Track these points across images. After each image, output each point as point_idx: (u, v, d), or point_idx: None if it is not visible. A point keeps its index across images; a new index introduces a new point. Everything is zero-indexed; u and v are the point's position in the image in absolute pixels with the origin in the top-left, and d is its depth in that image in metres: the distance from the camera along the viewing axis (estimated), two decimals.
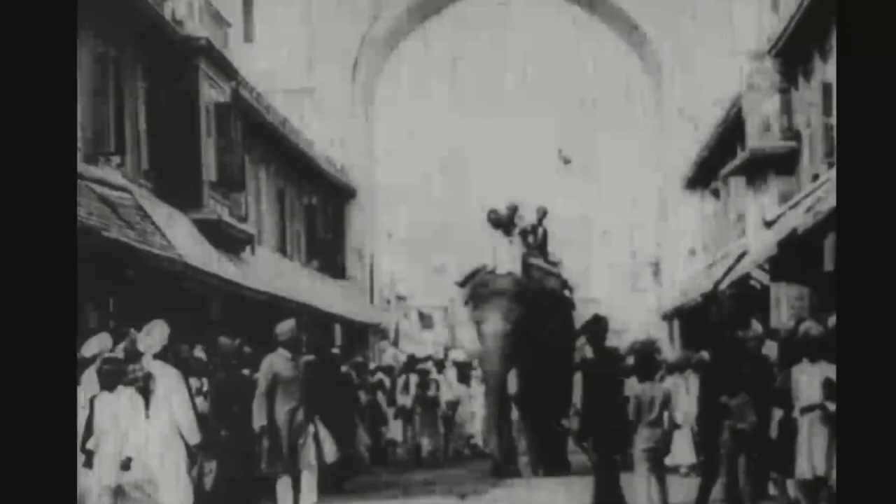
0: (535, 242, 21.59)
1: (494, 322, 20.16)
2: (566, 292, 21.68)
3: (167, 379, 11.76)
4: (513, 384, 19.85)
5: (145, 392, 11.55)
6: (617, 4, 37.56)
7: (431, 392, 23.51)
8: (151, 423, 11.52)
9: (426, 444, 23.11)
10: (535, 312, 20.24)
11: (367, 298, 39.12)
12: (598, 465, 14.39)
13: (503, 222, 20.89)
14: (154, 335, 11.93)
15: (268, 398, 13.85)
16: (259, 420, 13.78)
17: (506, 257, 20.72)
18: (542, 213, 21.85)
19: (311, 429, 13.95)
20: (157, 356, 11.82)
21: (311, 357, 18.56)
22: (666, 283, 39.24)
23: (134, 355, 12.06)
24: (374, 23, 37.64)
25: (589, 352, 15.77)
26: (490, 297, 20.35)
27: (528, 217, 21.49)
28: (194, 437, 11.77)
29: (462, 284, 21.21)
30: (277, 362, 14.01)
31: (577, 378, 17.66)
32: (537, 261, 21.24)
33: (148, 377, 11.64)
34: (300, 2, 37.06)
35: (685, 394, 18.46)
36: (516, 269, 20.63)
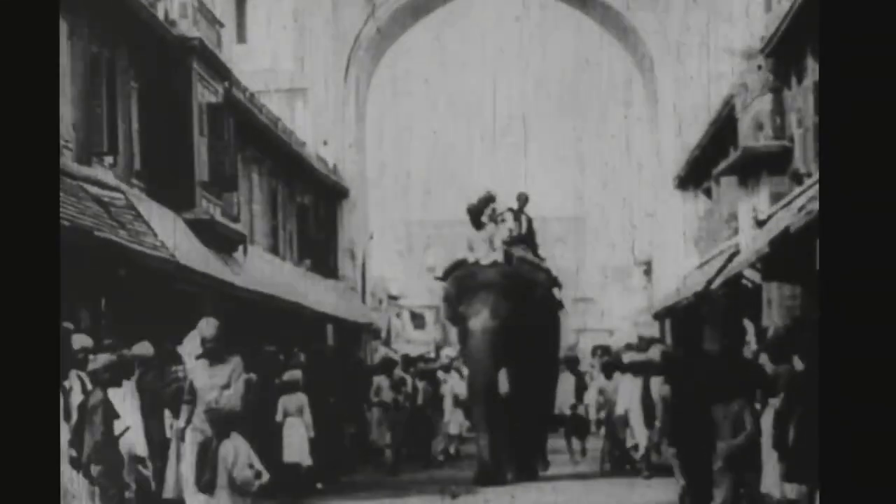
0: (519, 233, 20.19)
1: (482, 318, 18.79)
2: (555, 290, 20.37)
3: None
4: (504, 384, 18.49)
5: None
6: (609, 3, 37.58)
7: (442, 391, 23.38)
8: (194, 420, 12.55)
9: (435, 444, 22.91)
10: (524, 307, 18.95)
11: (359, 298, 39.11)
12: (690, 476, 14.11)
13: (474, 214, 19.55)
14: (196, 340, 12.97)
15: (189, 413, 12.46)
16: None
17: (484, 249, 19.32)
18: (523, 200, 20.36)
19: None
20: (197, 358, 12.80)
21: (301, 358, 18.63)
22: (658, 283, 39.25)
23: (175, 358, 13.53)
24: (367, 23, 37.64)
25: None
26: (476, 290, 18.98)
27: (508, 205, 20.11)
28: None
29: (444, 278, 19.79)
30: (197, 371, 12.59)
31: (660, 384, 17.22)
32: (522, 252, 19.92)
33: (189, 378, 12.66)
34: (293, 2, 37.06)
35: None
36: (500, 259, 19.28)
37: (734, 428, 12.16)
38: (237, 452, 9.71)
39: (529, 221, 20.39)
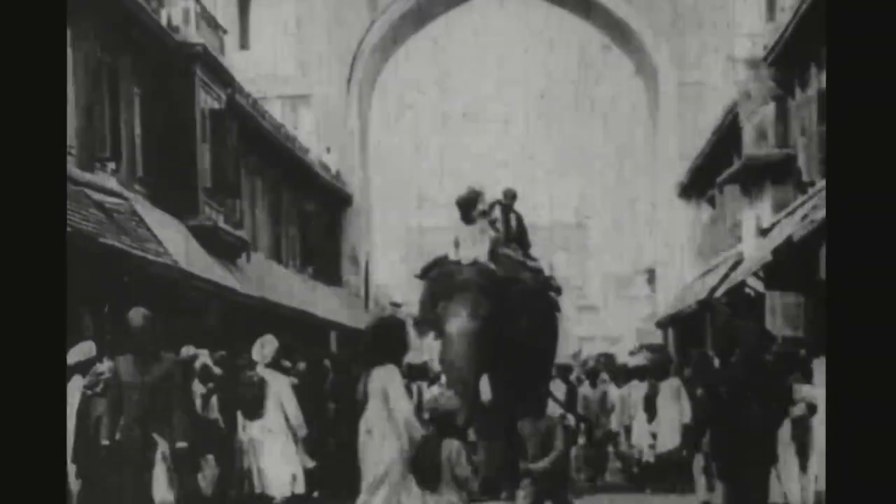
0: (511, 232, 18.70)
1: (460, 320, 16.92)
2: (551, 293, 18.85)
3: (278, 384, 14.11)
4: (486, 392, 16.69)
5: (260, 395, 13.81)
6: (612, 10, 37.62)
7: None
8: (265, 419, 13.95)
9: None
10: (508, 309, 17.19)
11: (362, 305, 39.12)
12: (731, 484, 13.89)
13: (465, 207, 17.67)
14: (267, 347, 14.22)
15: (114, 414, 11.03)
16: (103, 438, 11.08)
17: (469, 246, 17.61)
18: (511, 197, 18.87)
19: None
20: (268, 365, 14.14)
21: (301, 366, 18.51)
22: (661, 291, 39.26)
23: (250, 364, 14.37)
24: (370, 30, 37.68)
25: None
26: (454, 291, 17.12)
27: (494, 201, 18.50)
28: (303, 431, 14.20)
29: (421, 276, 18.06)
30: (123, 366, 11.12)
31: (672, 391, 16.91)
32: (508, 251, 18.19)
33: (262, 382, 13.83)
34: (296, 8, 37.10)
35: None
36: (483, 258, 17.44)
37: (543, 447, 11.62)
38: (459, 450, 9.81)
39: (519, 219, 18.97)
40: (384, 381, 9.62)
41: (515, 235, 18.82)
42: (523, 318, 17.53)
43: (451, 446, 9.66)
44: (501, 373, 16.91)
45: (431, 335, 17.83)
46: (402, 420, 9.64)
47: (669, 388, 18.16)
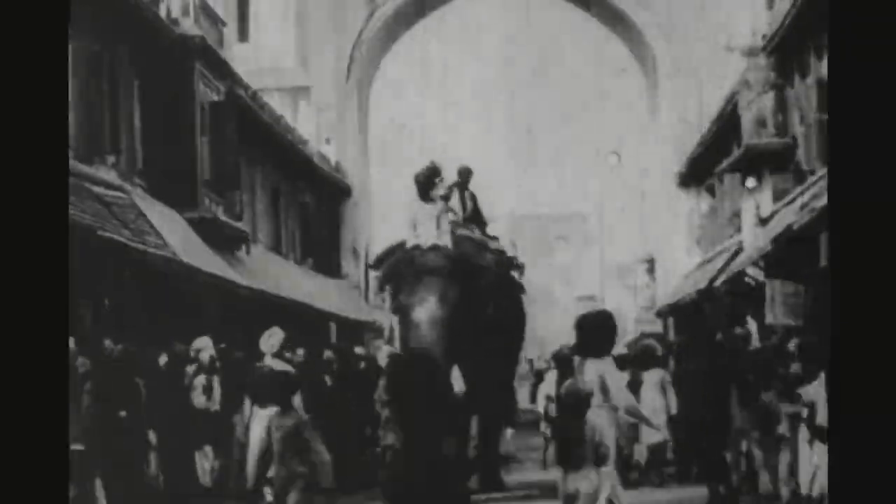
0: (466, 212, 17.85)
1: (429, 307, 15.90)
2: (514, 274, 17.96)
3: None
4: (458, 383, 15.60)
5: (271, 383, 13.75)
6: (612, 1, 37.60)
7: None
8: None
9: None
10: (474, 294, 16.21)
11: (361, 297, 39.13)
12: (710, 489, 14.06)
13: (423, 184, 16.63)
14: (274, 339, 14.71)
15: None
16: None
17: (428, 229, 16.47)
18: (466, 174, 18.03)
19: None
20: (274, 355, 14.60)
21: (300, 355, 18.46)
22: (661, 280, 39.28)
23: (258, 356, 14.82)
24: (369, 21, 37.66)
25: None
26: (419, 276, 16.10)
27: (448, 180, 17.42)
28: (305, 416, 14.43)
29: (376, 266, 17.29)
30: None
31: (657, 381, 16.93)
32: (467, 232, 17.34)
33: (273, 371, 13.91)
34: (295, 0, 37.09)
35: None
36: (444, 241, 16.46)
37: (291, 444, 10.56)
38: (602, 430, 9.87)
39: (474, 198, 18.10)
40: (600, 372, 9.80)
41: (471, 215, 18.07)
42: (491, 303, 16.65)
43: (591, 427, 9.74)
44: (472, 361, 15.89)
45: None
46: (623, 409, 9.86)
47: (653, 378, 17.37)
